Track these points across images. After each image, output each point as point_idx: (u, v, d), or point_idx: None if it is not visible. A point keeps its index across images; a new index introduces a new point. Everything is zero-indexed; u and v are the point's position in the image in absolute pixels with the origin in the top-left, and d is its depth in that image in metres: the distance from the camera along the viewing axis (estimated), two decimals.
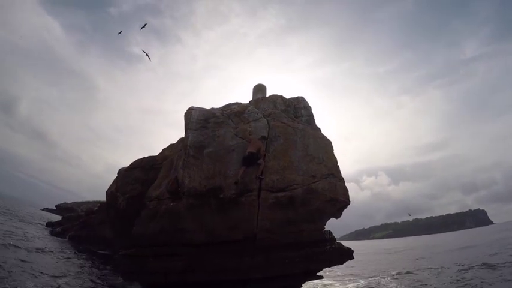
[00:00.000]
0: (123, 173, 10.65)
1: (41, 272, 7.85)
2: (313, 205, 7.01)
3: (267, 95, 10.20)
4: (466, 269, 12.00)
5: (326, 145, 8.11)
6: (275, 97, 9.72)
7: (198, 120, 7.97)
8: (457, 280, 10.18)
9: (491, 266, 11.86)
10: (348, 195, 7.44)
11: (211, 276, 6.80)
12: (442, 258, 18.64)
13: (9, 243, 11.00)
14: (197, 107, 8.48)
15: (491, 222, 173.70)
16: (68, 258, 11.46)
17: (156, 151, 11.26)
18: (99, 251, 14.50)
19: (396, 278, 11.87)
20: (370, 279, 12.05)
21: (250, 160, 7.02)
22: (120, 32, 12.93)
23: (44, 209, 58.19)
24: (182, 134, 8.24)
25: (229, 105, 9.35)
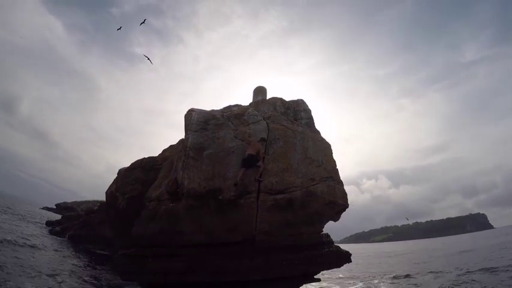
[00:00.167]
0: (123, 173, 10.68)
1: (39, 271, 7.86)
2: (312, 208, 7.02)
3: (268, 97, 10.23)
4: (466, 273, 11.95)
5: (325, 148, 8.13)
6: (275, 99, 9.75)
7: (198, 121, 8.02)
8: (457, 284, 10.15)
9: (491, 271, 11.81)
10: (347, 199, 7.44)
11: (210, 277, 6.82)
12: (442, 262, 18.56)
13: (8, 241, 11.00)
14: (197, 109, 8.53)
15: (491, 227, 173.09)
16: (66, 257, 11.47)
17: (156, 152, 11.31)
18: (98, 251, 14.48)
19: (395, 282, 11.86)
20: (368, 282, 12.05)
21: (250, 162, 7.04)
22: (119, 28, 12.71)
23: (43, 208, 58.14)
24: (183, 135, 8.29)
25: (229, 107, 9.38)
